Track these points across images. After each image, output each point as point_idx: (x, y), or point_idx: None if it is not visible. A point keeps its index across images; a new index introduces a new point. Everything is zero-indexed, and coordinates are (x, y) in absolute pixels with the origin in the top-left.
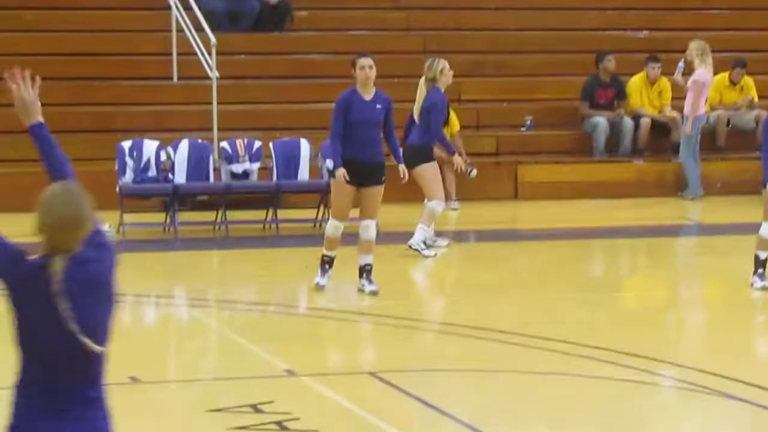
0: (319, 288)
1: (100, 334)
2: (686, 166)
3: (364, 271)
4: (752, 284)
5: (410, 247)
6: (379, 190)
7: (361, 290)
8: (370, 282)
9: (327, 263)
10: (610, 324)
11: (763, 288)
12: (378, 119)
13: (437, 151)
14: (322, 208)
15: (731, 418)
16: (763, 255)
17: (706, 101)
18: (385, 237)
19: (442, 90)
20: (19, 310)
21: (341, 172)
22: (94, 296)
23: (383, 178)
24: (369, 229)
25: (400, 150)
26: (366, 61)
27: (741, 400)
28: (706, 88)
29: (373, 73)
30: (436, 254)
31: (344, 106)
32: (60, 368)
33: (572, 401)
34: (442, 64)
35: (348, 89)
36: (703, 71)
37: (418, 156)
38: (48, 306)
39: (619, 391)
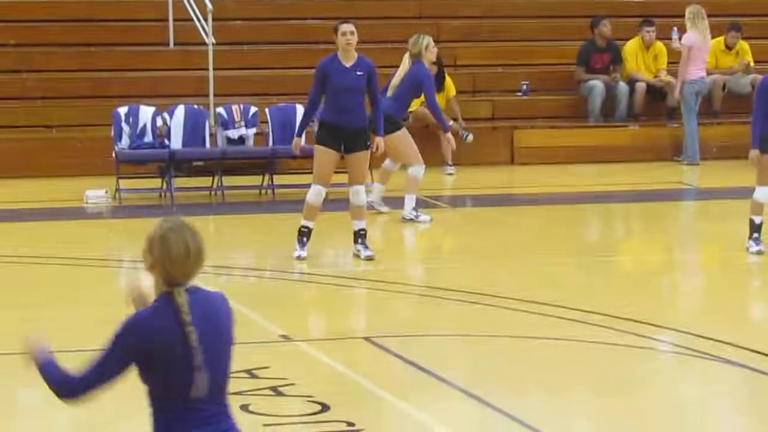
0: (300, 260)
1: (222, 372)
2: (685, 131)
3: (359, 236)
4: (747, 248)
5: (404, 218)
6: (364, 155)
7: (356, 255)
8: (366, 247)
9: (305, 235)
10: (605, 288)
11: (759, 252)
12: (359, 86)
13: (429, 117)
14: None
15: (727, 382)
16: (757, 219)
17: (705, 66)
18: (383, 201)
19: (427, 65)
20: (156, 363)
21: (296, 142)
22: (215, 334)
23: (368, 143)
24: (358, 194)
25: (381, 120)
26: (347, 27)
27: (736, 364)
28: (699, 52)
29: (354, 39)
30: (431, 219)
31: (322, 72)
32: (192, 398)
33: (568, 366)
34: (427, 40)
35: (329, 55)
36: (691, 35)
37: (387, 126)
38: (182, 337)
39: (615, 355)
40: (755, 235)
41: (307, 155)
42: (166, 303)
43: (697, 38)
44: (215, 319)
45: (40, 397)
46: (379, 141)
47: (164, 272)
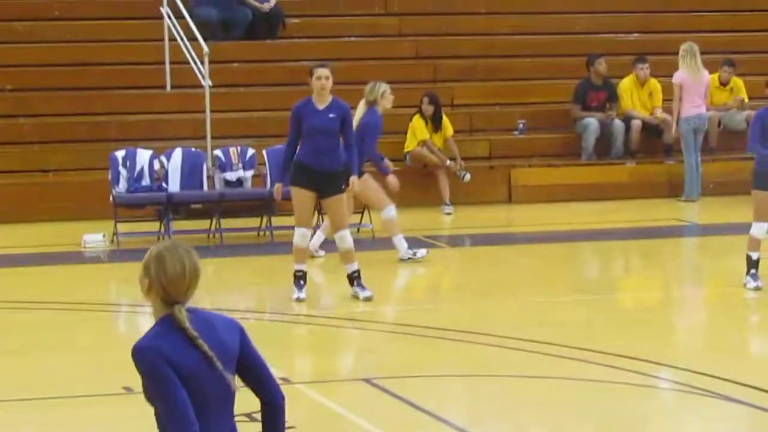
0: (299, 301)
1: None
2: (685, 167)
3: (353, 278)
4: (745, 284)
5: (402, 260)
6: (339, 199)
7: (355, 297)
8: (363, 288)
9: (300, 278)
10: (605, 326)
11: (756, 288)
12: (332, 128)
13: (431, 155)
14: (315, 215)
15: (728, 420)
16: (754, 255)
17: (702, 102)
18: (378, 243)
19: (380, 113)
20: (184, 382)
21: (277, 188)
22: (219, 346)
23: (342, 187)
24: (343, 239)
25: (357, 162)
26: (322, 72)
27: (737, 402)
28: (693, 89)
29: (329, 83)
30: (428, 251)
31: (296, 115)
32: (211, 410)
33: (569, 405)
34: (384, 87)
35: (304, 98)
36: (681, 72)
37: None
38: (194, 351)
39: (616, 393)
40: (752, 271)
41: (289, 198)
42: (167, 325)
43: (687, 75)
44: (215, 335)
45: None
46: (353, 179)
47: (162, 291)
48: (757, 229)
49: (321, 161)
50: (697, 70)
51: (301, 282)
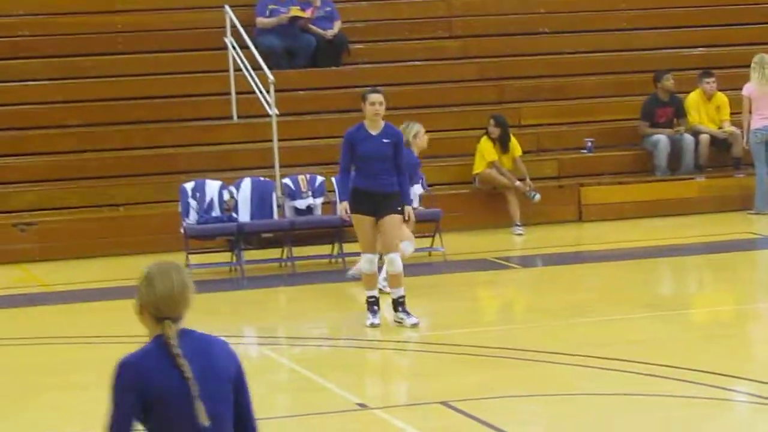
0: (374, 327)
1: (223, 406)
2: (756, 180)
3: (398, 304)
4: None
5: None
6: (392, 220)
7: (398, 323)
8: (408, 314)
9: (373, 303)
10: (681, 342)
11: None
12: (386, 153)
13: (500, 177)
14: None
15: None
16: None
17: None
18: (450, 265)
19: (416, 153)
20: (154, 400)
21: (343, 206)
22: (208, 369)
23: (399, 208)
24: (393, 262)
25: (408, 190)
26: (376, 98)
27: None
28: (761, 101)
29: (382, 109)
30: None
31: (350, 141)
32: None
33: (650, 422)
34: (417, 128)
35: (356, 125)
36: (749, 84)
37: None
38: (175, 371)
39: (695, 409)
40: None
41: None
42: (157, 343)
43: (756, 87)
44: (207, 356)
45: None
46: (409, 209)
47: (153, 309)
48: None
49: (374, 184)
50: (766, 83)
51: (375, 308)
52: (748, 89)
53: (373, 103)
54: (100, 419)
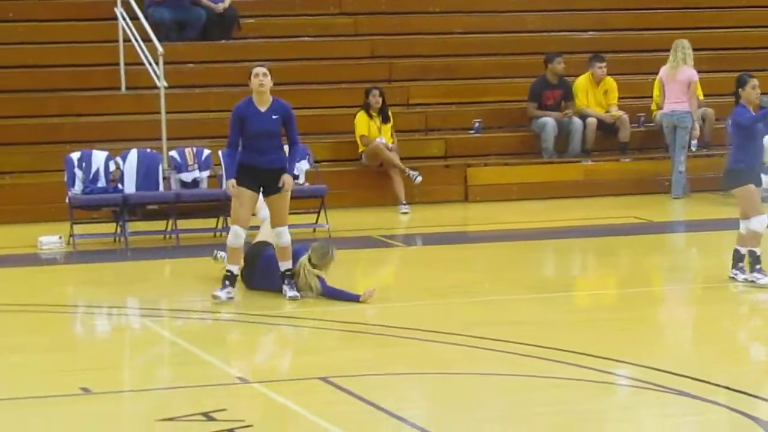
0: (218, 301)
1: None
2: None
3: (285, 276)
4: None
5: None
6: (282, 197)
7: (282, 295)
8: (291, 287)
9: (227, 279)
10: (561, 324)
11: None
12: (274, 129)
13: (386, 152)
14: None
15: (685, 416)
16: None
17: (683, 99)
18: (335, 242)
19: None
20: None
21: (230, 183)
22: None
23: (279, 185)
24: (281, 235)
25: (295, 160)
26: (260, 69)
27: (692, 396)
28: (670, 85)
29: (267, 80)
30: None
31: (239, 117)
32: None
33: (525, 402)
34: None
35: (244, 99)
36: (662, 68)
37: None
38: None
39: (573, 390)
40: (740, 264)
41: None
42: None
43: (667, 71)
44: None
45: None
46: (287, 177)
47: None
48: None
49: (262, 159)
50: (676, 68)
51: (227, 282)
52: (660, 72)
53: (257, 75)
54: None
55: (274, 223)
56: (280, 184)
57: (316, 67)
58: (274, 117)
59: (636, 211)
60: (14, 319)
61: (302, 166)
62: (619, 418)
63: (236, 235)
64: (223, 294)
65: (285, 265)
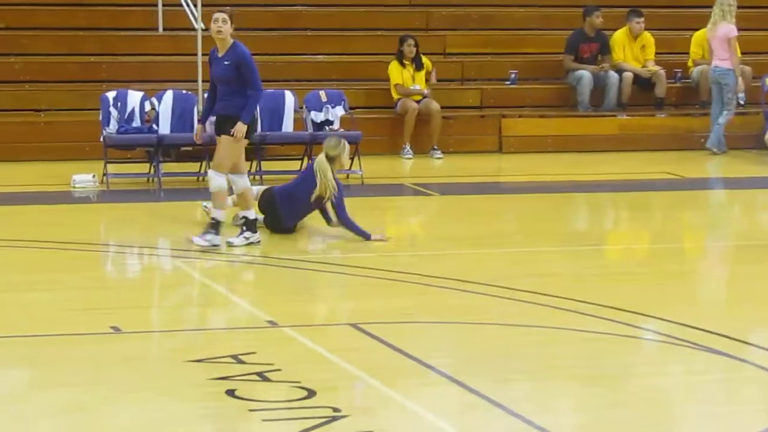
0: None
1: None
2: None
3: (212, 224)
4: None
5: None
6: (223, 141)
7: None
8: (204, 235)
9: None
10: (593, 277)
11: None
12: (227, 75)
13: (414, 102)
14: (305, 159)
15: (713, 372)
16: None
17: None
18: (367, 189)
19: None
20: None
21: (198, 128)
22: None
23: (231, 131)
24: (210, 179)
25: (250, 109)
26: (218, 15)
27: (722, 354)
28: (712, 42)
29: (225, 27)
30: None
31: (208, 61)
32: None
33: (554, 354)
34: (343, 146)
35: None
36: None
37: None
38: None
39: (602, 344)
40: None
41: (297, 141)
42: None
43: (709, 29)
44: None
45: (26, 381)
46: (239, 126)
47: None
48: None
49: (219, 106)
50: (715, 22)
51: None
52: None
53: (215, 20)
54: (15, 322)
55: (211, 165)
56: (233, 131)
57: (353, 14)
58: (226, 63)
59: (670, 167)
60: (46, 257)
61: (337, 112)
62: (647, 372)
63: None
64: (202, 241)
65: (213, 212)
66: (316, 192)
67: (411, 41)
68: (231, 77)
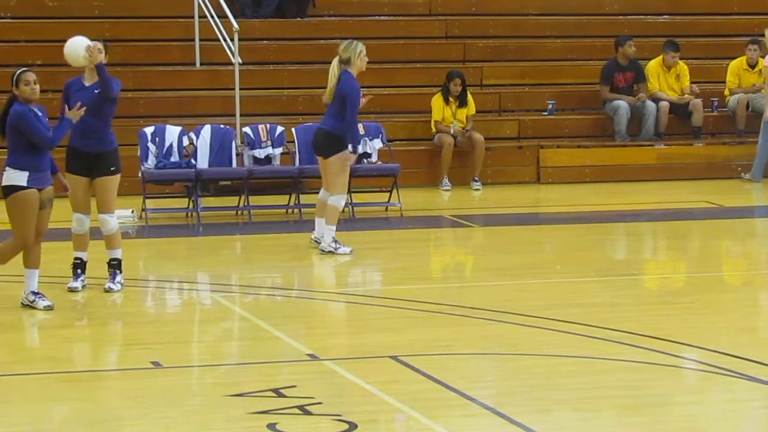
0: (73, 291)
1: None
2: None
3: (109, 266)
4: None
5: (322, 251)
6: (106, 181)
7: (109, 290)
8: (114, 277)
9: (76, 266)
10: (633, 307)
11: None
12: (95, 106)
13: (450, 137)
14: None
15: (755, 400)
16: None
17: None
18: (407, 221)
19: (354, 75)
20: None
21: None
22: None
23: (112, 169)
24: (105, 223)
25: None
26: (97, 44)
27: (764, 382)
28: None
29: (100, 56)
30: (352, 250)
31: (65, 90)
32: None
33: (596, 384)
34: (361, 47)
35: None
36: None
37: (332, 143)
38: None
39: (643, 373)
40: None
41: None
42: None
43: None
44: None
45: (66, 416)
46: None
47: None
48: None
49: (89, 144)
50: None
51: (78, 270)
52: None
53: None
54: (57, 358)
55: (100, 209)
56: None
57: (391, 46)
58: (96, 91)
59: (709, 196)
60: (85, 292)
61: (375, 145)
62: (689, 401)
63: (78, 222)
64: (77, 283)
65: (111, 254)
66: (326, 94)
67: (458, 80)
68: (99, 107)
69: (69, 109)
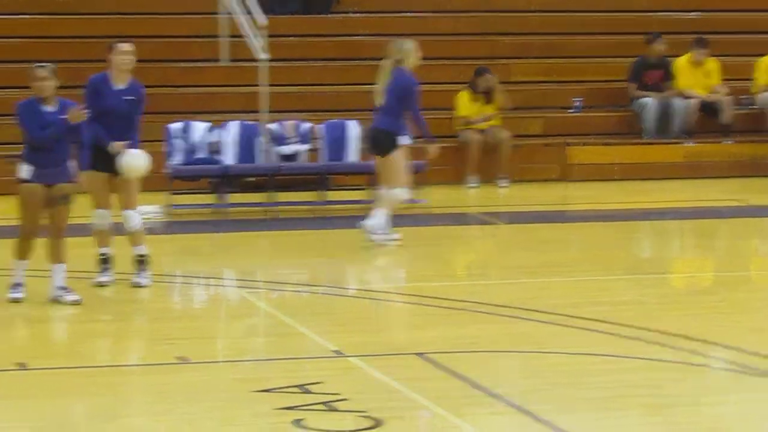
0: (102, 285)
1: None
2: None
3: (135, 261)
4: None
5: (372, 235)
6: (134, 180)
7: (136, 285)
8: (139, 273)
9: (103, 261)
10: (659, 305)
11: None
12: (125, 110)
13: (477, 134)
14: (370, 189)
15: None
16: None
17: None
18: (434, 218)
19: (410, 71)
20: None
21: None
22: None
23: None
24: (129, 219)
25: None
26: (128, 47)
27: None
28: None
29: (133, 60)
30: (400, 236)
31: (92, 90)
32: None
33: (622, 382)
34: (410, 44)
35: (99, 73)
36: None
37: (388, 141)
38: None
39: (669, 372)
40: None
41: (360, 171)
42: None
43: None
44: None
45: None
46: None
47: None
48: None
49: (114, 141)
50: None
51: (106, 264)
52: None
53: (123, 52)
54: (81, 353)
55: (124, 206)
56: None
57: (419, 44)
58: (129, 98)
59: (737, 194)
60: (111, 288)
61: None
62: (715, 402)
63: (100, 217)
64: (105, 278)
65: (136, 249)
66: (377, 94)
67: (489, 76)
68: (129, 112)
69: (97, 108)
